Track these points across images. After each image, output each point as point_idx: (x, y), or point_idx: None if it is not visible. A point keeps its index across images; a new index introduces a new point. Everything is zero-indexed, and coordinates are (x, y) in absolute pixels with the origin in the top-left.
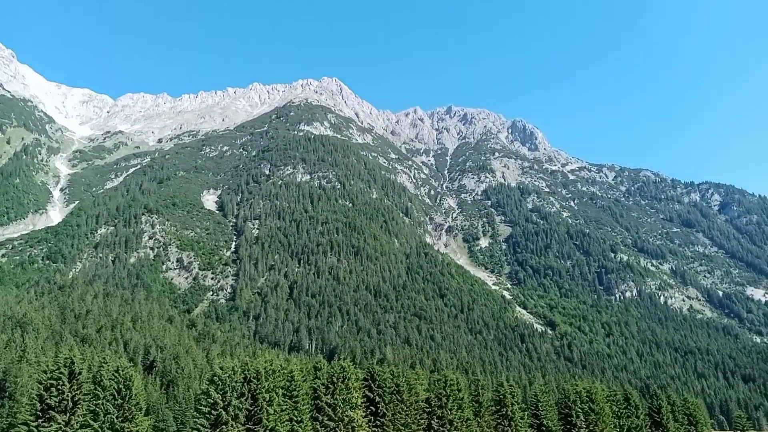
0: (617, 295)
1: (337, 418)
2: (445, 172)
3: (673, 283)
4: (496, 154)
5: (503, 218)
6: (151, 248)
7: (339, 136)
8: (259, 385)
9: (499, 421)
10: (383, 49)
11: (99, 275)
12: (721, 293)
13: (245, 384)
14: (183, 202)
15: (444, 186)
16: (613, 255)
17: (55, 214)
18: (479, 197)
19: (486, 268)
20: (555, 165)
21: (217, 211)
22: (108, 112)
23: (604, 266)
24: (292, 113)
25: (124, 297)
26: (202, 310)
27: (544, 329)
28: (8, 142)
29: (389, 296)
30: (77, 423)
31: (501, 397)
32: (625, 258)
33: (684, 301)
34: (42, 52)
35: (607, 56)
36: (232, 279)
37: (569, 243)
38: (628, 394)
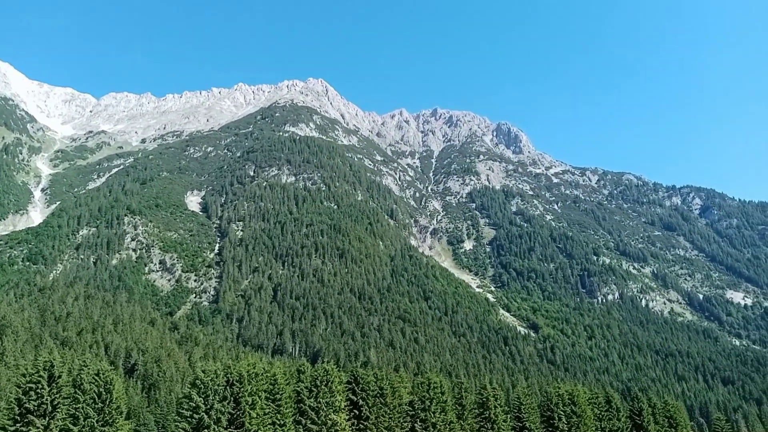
0: (599, 298)
1: (320, 422)
2: (431, 174)
3: (655, 286)
4: (481, 156)
5: (487, 221)
6: (134, 250)
7: (324, 137)
8: (242, 389)
9: (482, 423)
10: (369, 51)
11: (80, 277)
12: (701, 296)
13: (228, 387)
14: (166, 203)
15: (429, 188)
16: (595, 258)
17: (36, 215)
18: (464, 200)
19: (470, 271)
20: (539, 168)
21: (200, 213)
22: (91, 111)
23: (586, 269)
24: (277, 114)
25: (105, 299)
26: (185, 312)
27: (527, 332)
28: None
29: (374, 299)
30: (57, 427)
31: (484, 399)
32: (608, 261)
33: (665, 304)
34: (23, 50)
35: (590, 60)
36: (216, 281)
37: (552, 246)
38: (610, 396)
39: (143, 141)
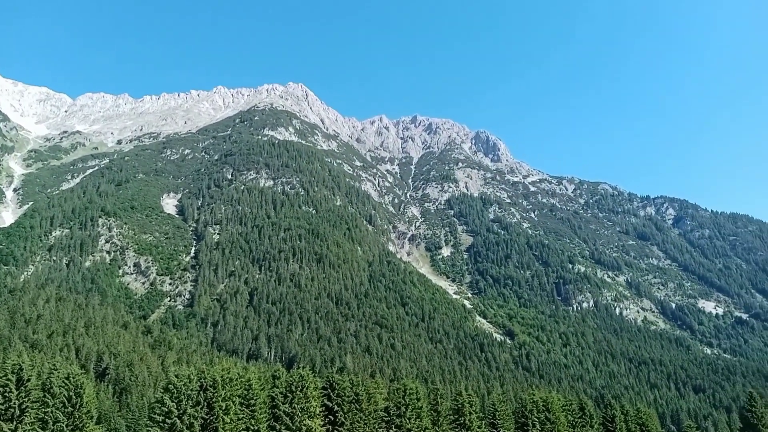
0: (574, 306)
1: (294, 427)
2: (410, 180)
3: (629, 294)
4: (460, 164)
5: (465, 228)
6: (108, 252)
7: (304, 142)
8: (216, 394)
9: (457, 430)
10: (350, 57)
11: (52, 279)
12: (674, 305)
13: (201, 392)
14: (142, 205)
15: (408, 195)
16: (571, 266)
17: (7, 215)
18: (442, 206)
19: (447, 277)
20: (517, 176)
21: (177, 216)
22: (66, 111)
23: (562, 277)
24: (256, 118)
25: (77, 302)
26: (159, 316)
27: (503, 339)
28: None
29: (351, 304)
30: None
31: (459, 406)
32: (583, 269)
33: (638, 312)
34: None
35: (566, 69)
36: (191, 285)
37: (529, 254)
38: (584, 403)
39: (119, 142)
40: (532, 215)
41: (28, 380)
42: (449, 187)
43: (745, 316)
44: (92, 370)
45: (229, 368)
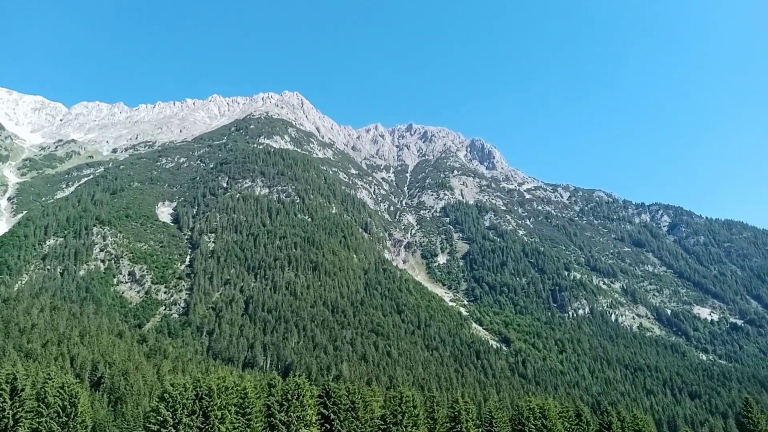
0: (570, 313)
1: None
2: (405, 188)
3: (624, 301)
4: (455, 172)
5: (461, 235)
6: (102, 261)
7: (299, 150)
8: (211, 402)
9: None
10: (346, 65)
11: (46, 288)
12: (669, 312)
13: (197, 401)
14: (137, 213)
15: (404, 202)
16: (566, 273)
17: (1, 224)
18: (438, 214)
19: (443, 285)
20: (512, 184)
21: (172, 224)
22: (61, 120)
23: (558, 284)
24: (252, 126)
25: (72, 311)
26: (154, 325)
27: (499, 346)
28: None
29: (347, 312)
30: None
31: (456, 413)
32: (579, 276)
33: (634, 319)
34: None
35: (561, 78)
36: (186, 293)
37: (524, 261)
38: (580, 410)
39: (114, 151)
40: (528, 222)
41: (23, 390)
42: (445, 194)
43: (740, 322)
44: (87, 379)
45: (225, 377)
